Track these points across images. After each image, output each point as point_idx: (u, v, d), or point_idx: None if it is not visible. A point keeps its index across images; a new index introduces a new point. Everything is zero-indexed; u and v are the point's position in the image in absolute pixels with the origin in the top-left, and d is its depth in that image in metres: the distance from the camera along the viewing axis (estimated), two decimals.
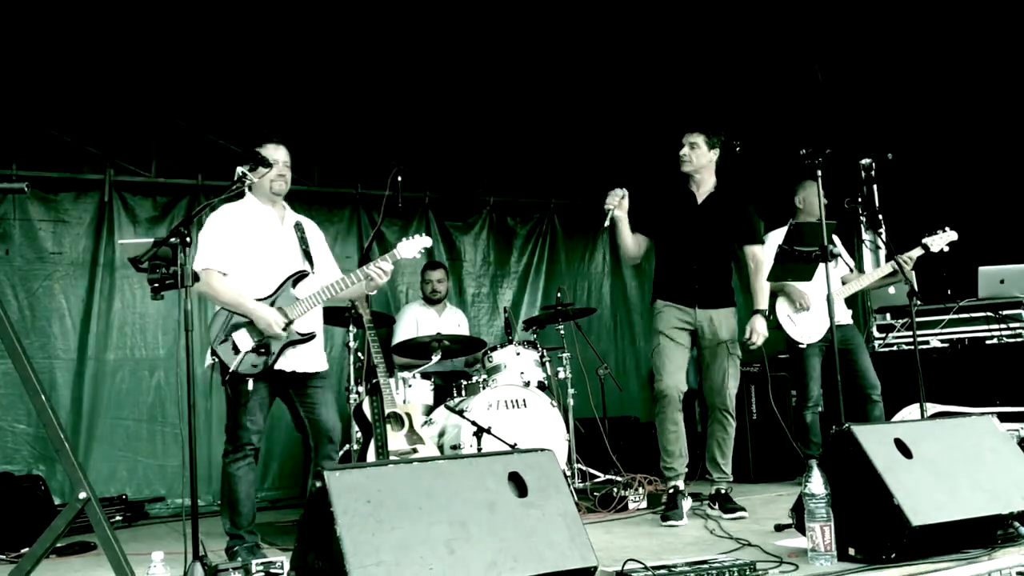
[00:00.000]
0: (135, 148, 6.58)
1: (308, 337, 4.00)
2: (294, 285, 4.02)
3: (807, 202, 5.68)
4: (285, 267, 4.05)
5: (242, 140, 6.80)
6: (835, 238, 5.77)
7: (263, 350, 3.88)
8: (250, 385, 3.84)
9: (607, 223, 4.66)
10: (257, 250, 4.00)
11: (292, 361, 3.97)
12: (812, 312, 5.53)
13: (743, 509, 4.55)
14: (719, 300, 4.79)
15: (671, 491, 4.60)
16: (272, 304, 3.93)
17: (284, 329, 3.88)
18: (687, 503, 4.61)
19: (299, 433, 4.16)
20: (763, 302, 4.84)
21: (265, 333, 3.87)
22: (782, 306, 5.61)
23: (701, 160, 4.81)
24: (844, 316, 5.66)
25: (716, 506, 4.67)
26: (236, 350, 3.85)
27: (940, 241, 5.33)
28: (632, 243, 4.81)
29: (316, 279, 4.10)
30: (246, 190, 4.07)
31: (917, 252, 5.33)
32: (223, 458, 3.95)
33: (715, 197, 4.84)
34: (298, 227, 4.20)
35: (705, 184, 4.86)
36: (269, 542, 4.21)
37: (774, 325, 5.64)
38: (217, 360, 3.86)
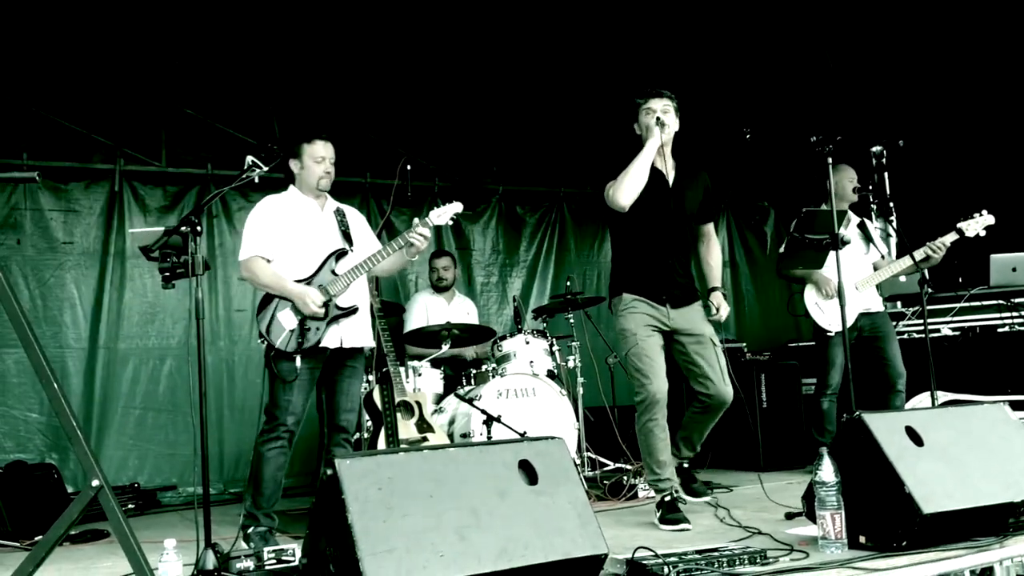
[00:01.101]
0: (145, 138, 6.61)
1: (350, 311, 4.08)
2: (335, 263, 4.10)
3: (839, 186, 5.61)
4: (324, 249, 4.13)
5: (251, 130, 6.84)
6: (868, 224, 5.72)
7: (307, 327, 3.96)
8: (297, 363, 3.92)
9: (655, 131, 4.12)
10: (297, 235, 4.10)
11: (336, 336, 4.05)
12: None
13: (707, 493, 4.44)
14: (691, 296, 4.33)
15: (667, 499, 4.07)
16: (311, 283, 4.02)
17: (324, 306, 3.96)
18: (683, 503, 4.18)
19: (317, 413, 4.19)
20: (718, 278, 4.48)
21: (303, 312, 3.94)
22: (810, 294, 5.55)
23: (673, 129, 4.25)
24: (876, 303, 5.56)
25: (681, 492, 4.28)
26: (282, 328, 3.94)
27: (976, 225, 5.11)
28: (641, 184, 4.16)
29: (355, 256, 4.16)
30: (291, 185, 4.22)
31: (951, 237, 5.12)
32: (257, 436, 3.99)
33: (681, 174, 4.33)
34: (338, 212, 4.29)
35: (669, 159, 4.31)
36: (281, 530, 4.22)
37: (802, 313, 5.60)
38: (264, 341, 3.96)
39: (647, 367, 4.12)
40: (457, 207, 4.17)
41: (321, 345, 3.99)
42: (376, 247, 4.25)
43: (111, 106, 6.47)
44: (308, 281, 4.03)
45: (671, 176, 4.30)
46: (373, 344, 4.29)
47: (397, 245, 4.05)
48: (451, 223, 4.21)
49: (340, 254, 4.13)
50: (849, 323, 5.42)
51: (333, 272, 4.08)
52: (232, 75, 6.45)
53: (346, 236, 4.20)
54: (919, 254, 5.19)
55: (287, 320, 3.95)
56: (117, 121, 6.49)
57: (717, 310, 4.33)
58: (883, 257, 5.68)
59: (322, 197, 4.25)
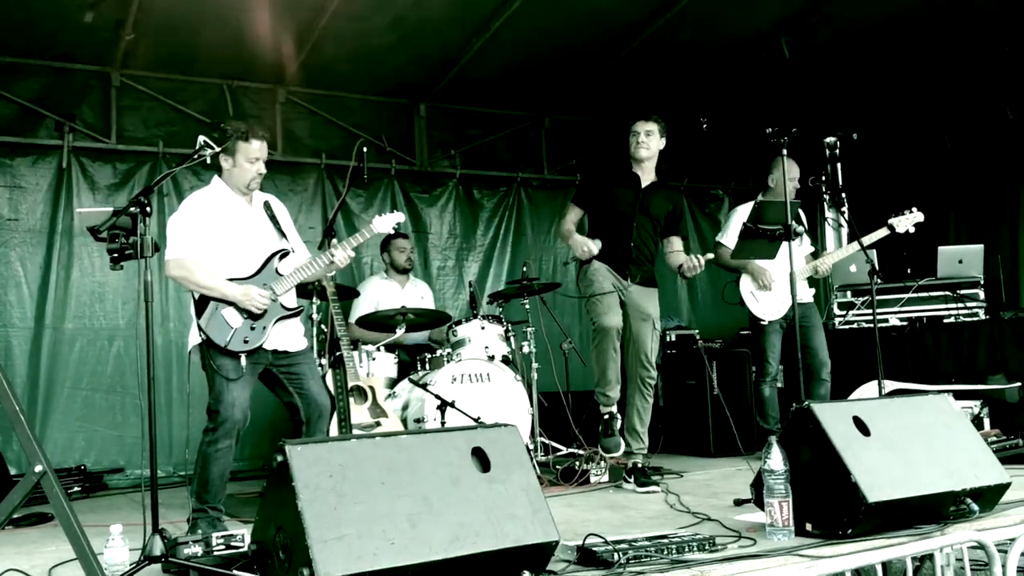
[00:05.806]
0: (95, 114, 6.47)
1: (296, 311, 4.05)
2: (278, 262, 4.05)
3: (779, 181, 5.71)
4: (263, 246, 4.06)
5: (204, 108, 6.73)
6: (801, 216, 5.82)
7: (254, 327, 3.88)
8: (242, 361, 3.84)
9: (587, 250, 4.81)
10: (232, 233, 4.00)
11: (275, 340, 3.98)
12: (774, 290, 5.60)
13: (656, 484, 4.67)
14: (649, 280, 4.98)
15: (606, 416, 4.82)
16: (253, 281, 3.94)
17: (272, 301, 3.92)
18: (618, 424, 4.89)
19: (288, 411, 4.11)
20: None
21: (251, 311, 3.87)
22: (745, 283, 5.67)
23: (654, 148, 4.92)
24: (805, 294, 5.72)
25: (632, 479, 4.75)
26: (227, 326, 3.84)
27: (906, 222, 5.39)
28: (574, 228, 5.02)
29: (297, 256, 4.13)
30: (216, 177, 4.09)
31: (882, 232, 5.38)
32: (204, 435, 3.85)
33: (655, 187, 4.98)
34: (267, 206, 4.20)
35: (649, 172, 4.98)
36: (231, 514, 4.18)
37: (736, 301, 5.71)
38: (205, 337, 3.81)
39: (605, 307, 4.79)
40: (399, 216, 4.20)
41: (267, 347, 3.93)
42: (300, 242, 4.26)
43: (60, 80, 6.32)
44: (249, 279, 3.95)
45: (645, 181, 4.94)
46: (307, 344, 4.23)
47: (328, 258, 4.02)
48: (392, 231, 4.24)
49: (284, 254, 4.07)
50: (781, 314, 5.62)
51: (277, 272, 4.02)
52: (187, 52, 6.32)
53: (281, 234, 4.14)
54: (852, 247, 5.45)
55: (233, 317, 3.86)
56: (66, 96, 6.34)
57: (698, 262, 4.80)
58: (813, 248, 5.84)
59: (250, 192, 4.16)
